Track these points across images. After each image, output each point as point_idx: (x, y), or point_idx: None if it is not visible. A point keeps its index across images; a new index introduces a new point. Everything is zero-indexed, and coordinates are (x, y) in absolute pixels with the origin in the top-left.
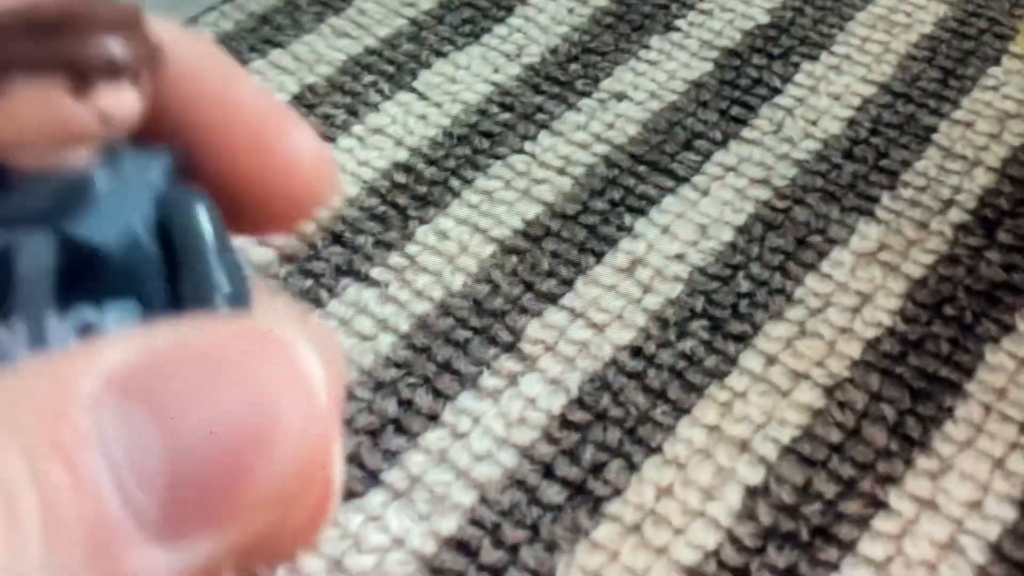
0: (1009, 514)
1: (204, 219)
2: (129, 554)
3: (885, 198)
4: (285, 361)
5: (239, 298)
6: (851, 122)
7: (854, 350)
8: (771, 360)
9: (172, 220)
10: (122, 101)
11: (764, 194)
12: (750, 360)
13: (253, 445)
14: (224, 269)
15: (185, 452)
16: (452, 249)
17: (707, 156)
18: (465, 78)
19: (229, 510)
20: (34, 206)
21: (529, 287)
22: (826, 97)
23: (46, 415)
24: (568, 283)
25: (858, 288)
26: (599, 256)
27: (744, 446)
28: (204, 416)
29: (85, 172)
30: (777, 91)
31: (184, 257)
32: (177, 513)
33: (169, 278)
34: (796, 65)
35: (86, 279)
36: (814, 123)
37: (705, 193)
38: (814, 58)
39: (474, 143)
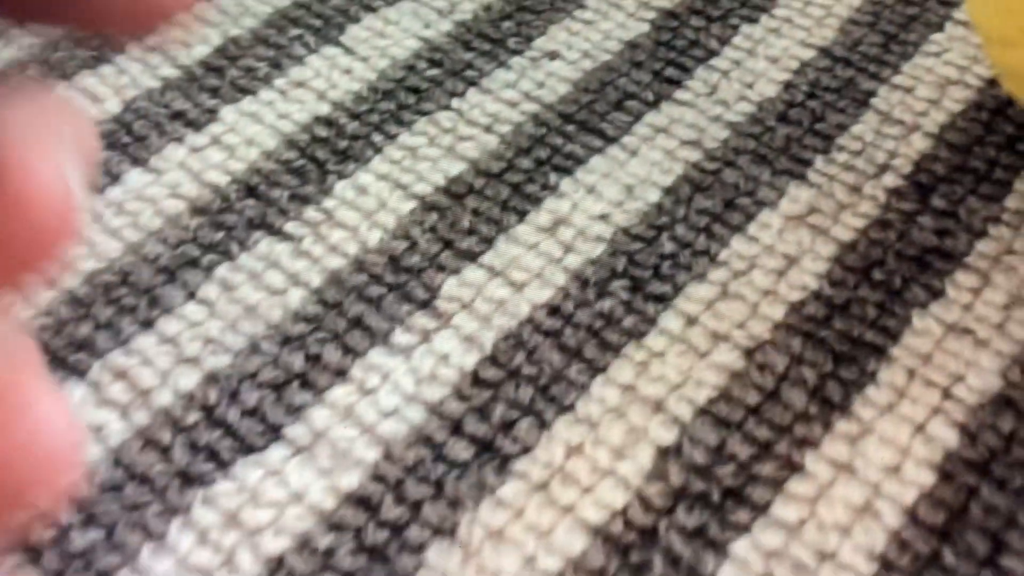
0: (927, 479)
1: None
2: None
3: (818, 162)
4: None
5: None
6: (787, 85)
7: (777, 313)
8: (691, 321)
9: None
10: None
11: (694, 156)
12: (670, 321)
13: None
14: None
15: None
16: (370, 205)
17: (638, 117)
18: (394, 33)
19: None
20: None
21: (448, 244)
22: (763, 60)
23: None
24: (488, 241)
25: (785, 251)
26: (522, 215)
27: (658, 406)
28: None
29: None
30: (714, 53)
31: None
32: None
33: None
34: (735, 27)
35: None
36: (750, 86)
37: (634, 154)
38: (754, 20)
39: (400, 98)
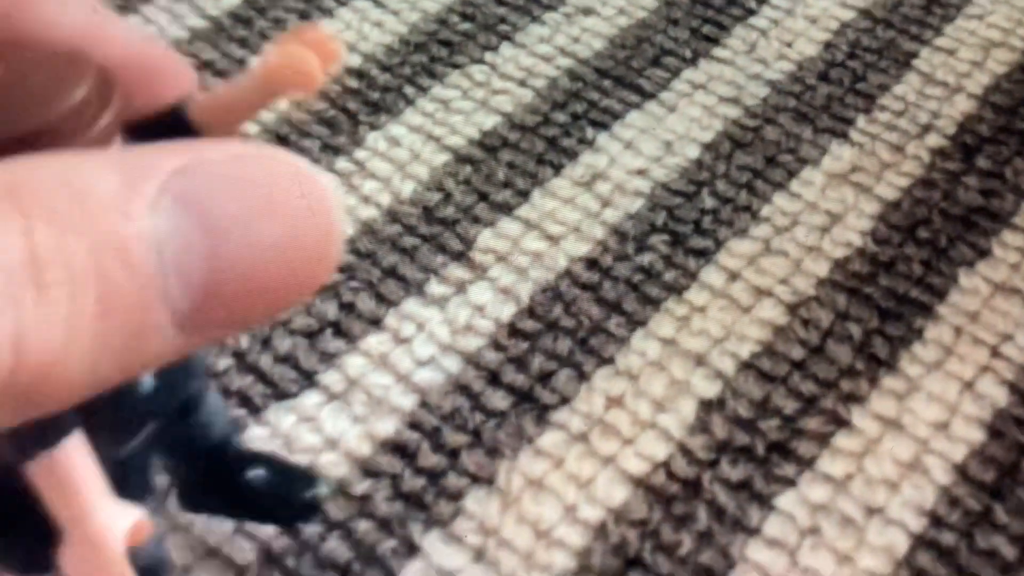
0: (976, 436)
1: None
2: (156, 336)
3: (860, 121)
4: (313, 198)
5: None
6: (827, 45)
7: (821, 269)
8: (733, 276)
9: None
10: None
11: (734, 112)
12: (711, 275)
13: (282, 269)
14: None
15: (223, 262)
16: (403, 156)
17: (676, 73)
18: None
19: (248, 316)
20: None
21: (483, 197)
22: (803, 20)
23: (115, 213)
24: (524, 194)
25: (828, 208)
26: (558, 168)
27: (700, 360)
28: (245, 236)
29: None
30: (752, 12)
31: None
32: (205, 312)
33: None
34: None
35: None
36: (789, 45)
37: (672, 110)
38: None
39: (432, 51)
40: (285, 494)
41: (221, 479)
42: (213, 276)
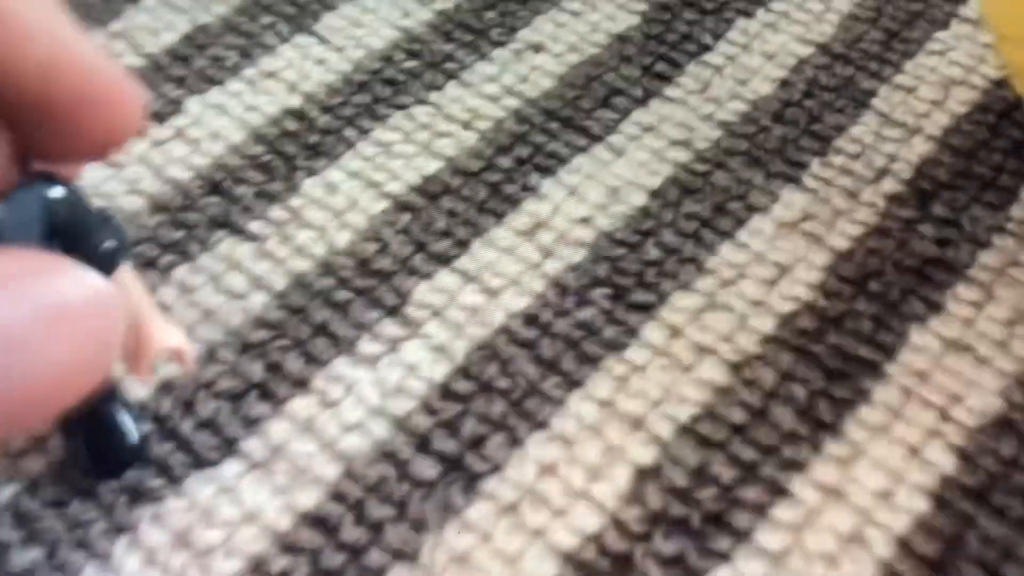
0: (921, 506)
1: (71, 207)
2: None
3: (815, 165)
4: (100, 315)
5: (124, 247)
6: (784, 83)
7: (767, 325)
8: (675, 332)
9: (51, 218)
10: None
11: (684, 156)
12: (653, 332)
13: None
14: (103, 231)
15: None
16: (340, 204)
17: (625, 114)
18: (371, 22)
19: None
20: None
21: (421, 247)
22: (759, 56)
23: None
24: (463, 244)
25: (777, 259)
26: (500, 217)
27: (638, 423)
28: (33, 351)
29: None
30: (707, 48)
31: (73, 244)
32: None
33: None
34: (729, 21)
35: None
36: (743, 83)
37: (620, 153)
38: (749, 15)
39: (375, 91)
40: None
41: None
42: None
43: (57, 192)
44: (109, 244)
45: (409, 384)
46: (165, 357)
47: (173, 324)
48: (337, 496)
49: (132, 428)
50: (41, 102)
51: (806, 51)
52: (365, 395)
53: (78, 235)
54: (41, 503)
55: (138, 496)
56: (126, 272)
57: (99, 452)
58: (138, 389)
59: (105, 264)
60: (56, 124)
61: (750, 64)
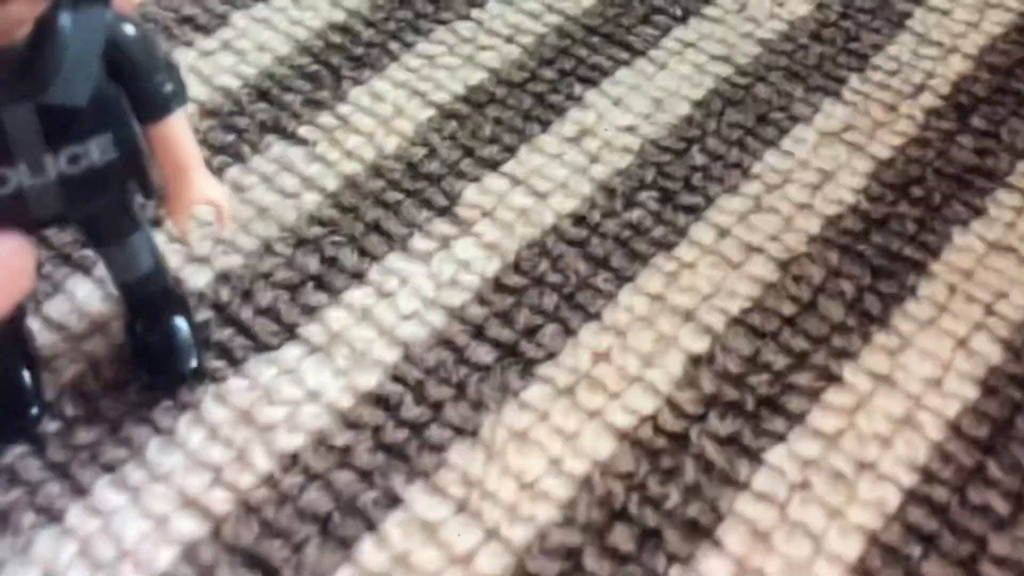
0: (970, 392)
1: (139, 44)
2: None
3: (853, 80)
4: None
5: (182, 94)
6: (820, 5)
7: (813, 226)
8: (723, 232)
9: (118, 51)
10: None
11: (725, 70)
12: (701, 232)
13: None
14: (165, 74)
15: None
16: (387, 111)
17: (666, 31)
18: None
19: None
20: (5, 70)
21: (468, 152)
22: None
23: None
24: (510, 150)
25: (820, 166)
26: (545, 125)
27: (689, 316)
28: None
29: (34, 43)
30: None
31: (134, 80)
32: None
33: (128, 95)
34: None
35: (67, 128)
36: (781, 4)
37: (662, 67)
38: None
39: (417, 7)
40: (158, 361)
41: (130, 310)
42: None
43: (128, 28)
44: (168, 88)
45: (462, 278)
46: (203, 204)
47: (216, 182)
48: (397, 377)
49: (190, 347)
50: None
51: None
52: (420, 287)
53: (138, 73)
54: (103, 384)
55: (200, 376)
56: (181, 118)
57: (155, 358)
58: (196, 278)
59: (161, 107)
60: None
61: None
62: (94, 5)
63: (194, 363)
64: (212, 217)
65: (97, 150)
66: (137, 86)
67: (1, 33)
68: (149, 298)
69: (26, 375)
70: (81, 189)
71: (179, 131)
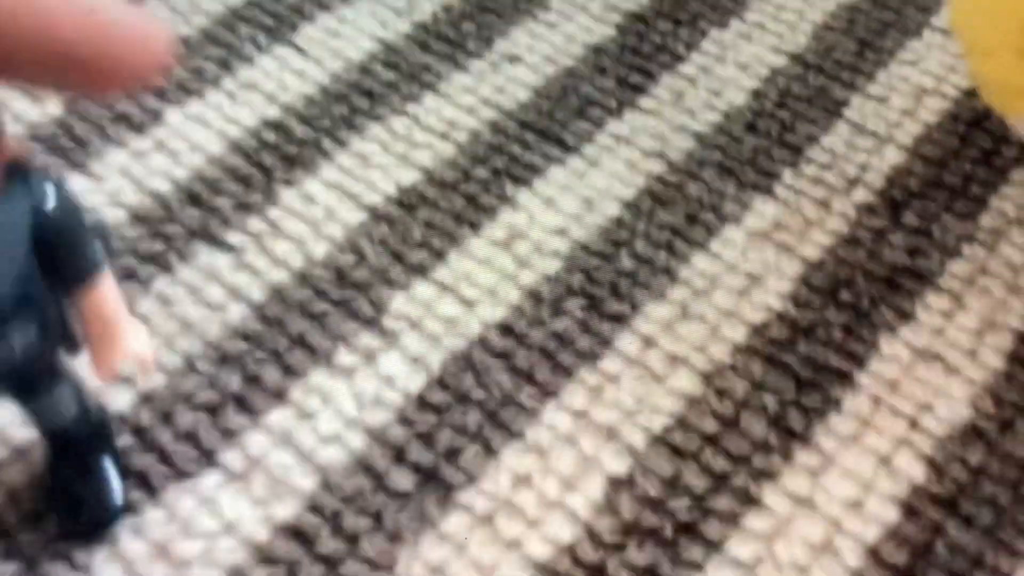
0: (891, 515)
1: (66, 223)
2: None
3: (786, 175)
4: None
5: (108, 252)
6: (757, 94)
7: (739, 335)
8: (648, 342)
9: (45, 233)
10: None
11: (657, 167)
12: (626, 342)
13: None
14: (93, 242)
15: None
16: (318, 215)
17: (600, 125)
18: (350, 33)
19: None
20: None
21: (398, 258)
22: (733, 66)
23: None
24: (440, 255)
25: (748, 270)
26: (476, 227)
27: (611, 434)
28: None
29: None
30: (680, 59)
31: (62, 256)
32: None
33: (50, 259)
34: (704, 32)
35: None
36: (717, 94)
37: (594, 164)
38: (723, 25)
39: (353, 102)
40: (79, 505)
41: (53, 455)
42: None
43: (50, 206)
44: (97, 254)
45: (386, 395)
46: (131, 362)
47: (142, 331)
48: (314, 507)
49: (118, 488)
50: (76, 53)
51: (779, 61)
52: (342, 407)
53: (66, 250)
54: (20, 516)
55: (120, 516)
56: (107, 275)
57: (79, 506)
58: (118, 400)
59: (89, 273)
60: (81, 76)
61: (724, 75)
62: (19, 194)
63: (119, 504)
64: (136, 369)
65: (20, 340)
66: (65, 260)
67: None
68: (74, 442)
69: None
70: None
71: (105, 291)
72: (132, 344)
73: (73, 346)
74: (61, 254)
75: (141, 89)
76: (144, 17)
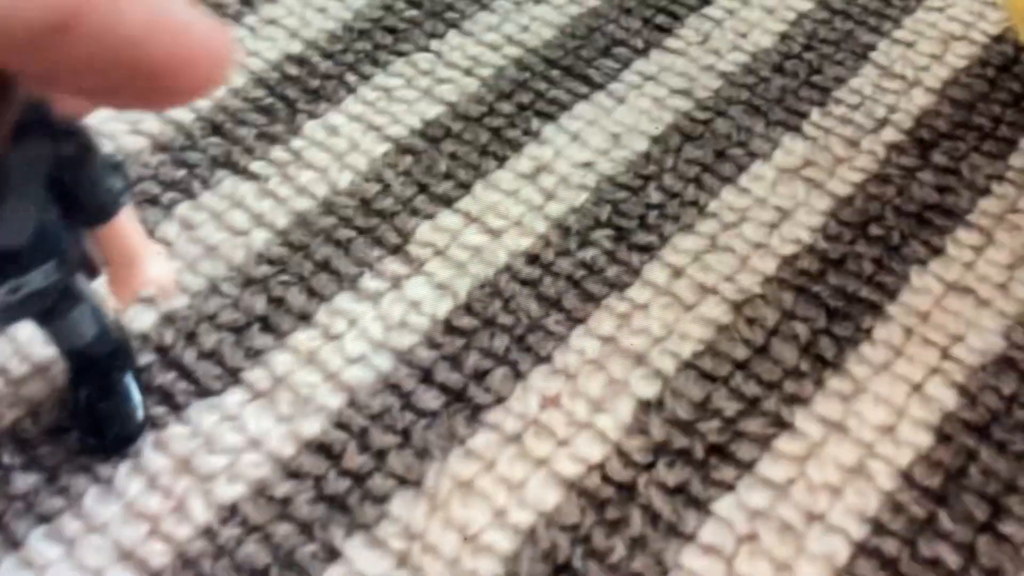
0: (923, 440)
1: (84, 163)
2: None
3: (814, 114)
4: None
5: (127, 189)
6: (783, 36)
7: (768, 266)
8: (677, 273)
9: (62, 172)
10: None
11: (684, 105)
12: (654, 272)
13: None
14: (111, 178)
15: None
16: (341, 146)
17: (626, 64)
18: None
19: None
20: None
21: (423, 189)
22: (758, 10)
23: None
24: (465, 187)
25: (778, 204)
26: (501, 160)
27: (640, 359)
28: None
29: None
30: (706, 2)
31: (81, 194)
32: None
33: (70, 200)
34: None
35: (6, 266)
36: (743, 36)
37: (621, 101)
38: None
39: (375, 39)
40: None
41: (73, 375)
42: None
43: (69, 148)
44: (115, 189)
45: (412, 319)
46: (150, 289)
47: (162, 257)
48: (341, 424)
49: (140, 406)
50: (144, 55)
51: (805, 6)
52: (368, 329)
53: (85, 188)
54: (42, 430)
55: (143, 432)
56: (127, 210)
57: (103, 423)
58: (140, 319)
59: (108, 210)
60: (146, 82)
61: (749, 17)
62: (37, 137)
63: (141, 420)
64: (157, 294)
65: (39, 278)
66: (83, 198)
67: None
68: (95, 362)
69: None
70: (20, 311)
71: (125, 224)
72: (152, 271)
73: (92, 271)
74: (80, 195)
75: (201, 97)
76: (209, 18)
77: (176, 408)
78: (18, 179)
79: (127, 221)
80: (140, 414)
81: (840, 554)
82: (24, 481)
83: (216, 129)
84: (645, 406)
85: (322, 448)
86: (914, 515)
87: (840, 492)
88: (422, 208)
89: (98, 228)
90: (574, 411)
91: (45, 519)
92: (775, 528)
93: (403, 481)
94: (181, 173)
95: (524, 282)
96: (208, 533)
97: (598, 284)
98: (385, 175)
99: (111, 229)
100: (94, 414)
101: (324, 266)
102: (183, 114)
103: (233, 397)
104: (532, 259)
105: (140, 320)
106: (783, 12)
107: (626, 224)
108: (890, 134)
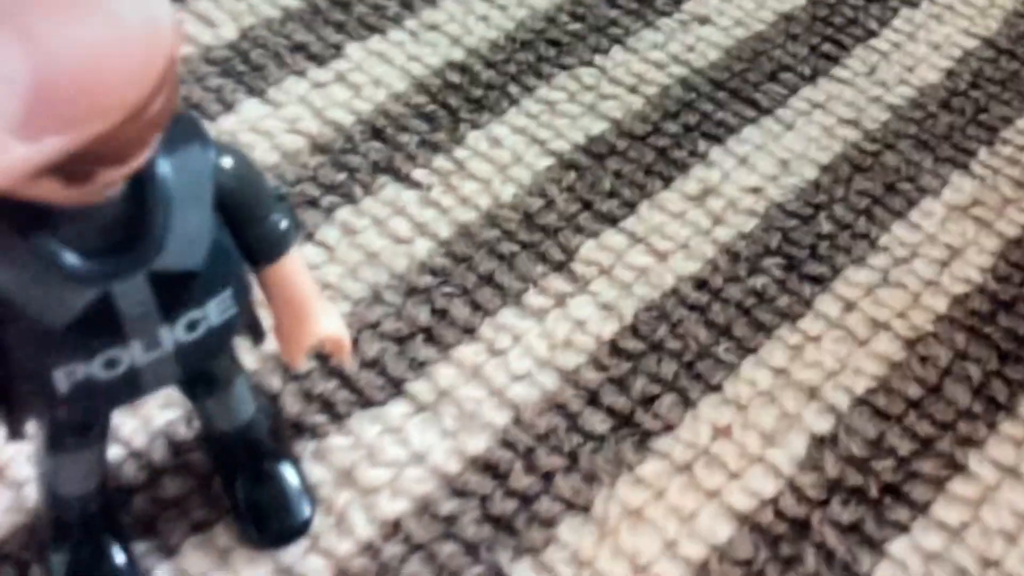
0: None
1: (248, 185)
2: None
3: (982, 153)
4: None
5: (296, 228)
6: (950, 73)
7: (940, 304)
8: (849, 306)
9: (225, 196)
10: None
11: (853, 135)
12: (826, 304)
13: (107, 69)
14: (279, 212)
15: (47, 68)
16: (505, 158)
17: (794, 90)
18: None
19: (79, 117)
20: (105, 236)
21: (587, 206)
22: (924, 45)
23: None
24: (630, 206)
25: (948, 241)
26: (667, 181)
27: (813, 393)
28: (67, 38)
29: (132, 199)
30: (873, 33)
31: (247, 225)
32: (37, 118)
33: (238, 239)
34: (895, 10)
35: (184, 294)
36: (910, 70)
37: (790, 127)
38: (914, 4)
39: (539, 50)
40: (268, 517)
41: (228, 464)
42: (39, 81)
43: (227, 161)
44: (283, 225)
45: (577, 339)
46: (323, 346)
47: (335, 311)
48: (507, 443)
49: (305, 496)
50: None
51: (971, 44)
52: (533, 346)
53: (251, 217)
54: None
55: (300, 431)
56: (296, 254)
57: (264, 515)
58: None
59: (277, 248)
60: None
61: (916, 52)
62: (192, 143)
63: (308, 513)
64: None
65: (216, 310)
66: (251, 230)
67: (87, 195)
68: (250, 447)
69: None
70: (197, 354)
71: (295, 269)
72: (326, 325)
73: (257, 333)
74: (247, 229)
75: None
76: None
77: (337, 418)
78: (182, 188)
79: (297, 266)
80: (306, 504)
81: None
82: (174, 486)
83: (377, 133)
84: (819, 441)
85: (488, 467)
86: None
87: (1015, 539)
88: (586, 226)
89: (265, 268)
90: (746, 443)
91: (199, 528)
92: (950, 572)
93: (571, 505)
94: (342, 176)
95: (692, 307)
96: (370, 549)
97: (769, 313)
98: (549, 190)
99: (279, 274)
100: (256, 507)
101: (488, 280)
102: (344, 116)
103: (397, 408)
104: (700, 284)
105: None
106: (949, 49)
107: (797, 253)
108: None
